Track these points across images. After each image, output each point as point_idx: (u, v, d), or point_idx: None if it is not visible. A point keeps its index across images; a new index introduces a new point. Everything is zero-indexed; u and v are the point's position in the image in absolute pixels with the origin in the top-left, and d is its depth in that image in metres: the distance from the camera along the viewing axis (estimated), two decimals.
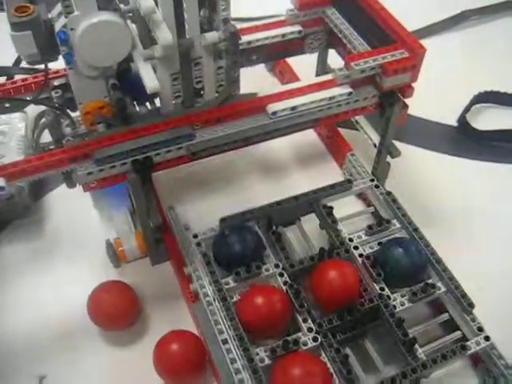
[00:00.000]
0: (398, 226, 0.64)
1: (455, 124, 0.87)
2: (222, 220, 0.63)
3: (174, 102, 0.58)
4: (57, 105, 0.58)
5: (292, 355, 0.53)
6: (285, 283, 0.58)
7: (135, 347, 0.63)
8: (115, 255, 0.66)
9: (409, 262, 0.59)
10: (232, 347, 0.55)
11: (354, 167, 0.73)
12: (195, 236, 0.62)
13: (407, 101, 0.64)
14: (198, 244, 0.61)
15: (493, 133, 0.85)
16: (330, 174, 0.77)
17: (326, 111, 0.60)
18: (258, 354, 0.54)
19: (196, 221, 0.70)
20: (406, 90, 0.63)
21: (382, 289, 0.59)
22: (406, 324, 0.56)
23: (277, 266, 0.60)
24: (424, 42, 0.61)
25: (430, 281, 0.60)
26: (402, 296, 0.58)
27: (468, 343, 0.56)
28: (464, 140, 0.85)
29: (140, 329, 0.64)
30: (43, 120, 0.58)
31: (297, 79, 0.83)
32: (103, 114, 0.55)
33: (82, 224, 0.72)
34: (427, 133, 0.86)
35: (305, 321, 0.56)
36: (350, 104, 0.61)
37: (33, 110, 0.75)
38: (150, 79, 0.51)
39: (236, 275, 0.58)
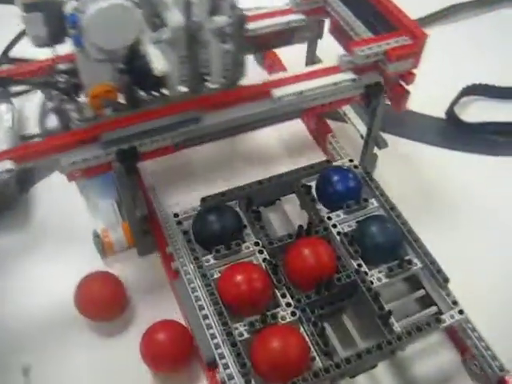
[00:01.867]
0: (376, 204, 0.65)
1: (443, 116, 0.88)
2: (203, 199, 0.64)
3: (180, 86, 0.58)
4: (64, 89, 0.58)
5: (270, 328, 0.54)
6: (264, 260, 0.60)
7: (123, 338, 0.63)
8: (102, 246, 0.67)
9: (385, 238, 0.60)
10: (212, 322, 0.57)
11: (334, 149, 0.74)
12: (176, 215, 0.63)
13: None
14: (179, 223, 0.62)
15: (481, 125, 0.86)
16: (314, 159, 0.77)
17: (328, 97, 0.61)
18: (237, 328, 0.55)
19: (179, 202, 0.71)
20: (408, 76, 0.64)
21: (359, 265, 0.60)
22: (383, 299, 0.57)
23: (256, 243, 0.61)
24: None
25: (406, 257, 0.61)
26: (379, 272, 0.60)
27: (443, 316, 0.57)
28: (452, 132, 0.86)
29: (127, 319, 0.64)
30: (49, 104, 0.59)
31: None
32: (110, 97, 0.56)
33: (69, 215, 0.72)
34: (415, 125, 0.87)
35: (283, 296, 0.57)
36: (337, 94, 0.62)
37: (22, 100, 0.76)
38: (158, 61, 0.51)
39: (216, 253, 0.59)
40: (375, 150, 0.70)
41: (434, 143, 0.84)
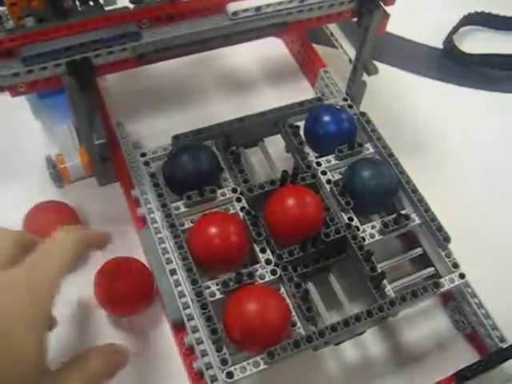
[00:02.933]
0: (372, 150, 0.57)
1: (440, 46, 0.80)
2: (175, 138, 0.55)
3: None
4: None
5: (246, 289, 0.48)
6: (242, 209, 0.52)
7: (76, 274, 0.56)
8: (57, 173, 0.59)
9: (378, 182, 0.53)
10: (181, 279, 0.50)
11: (326, 85, 0.65)
12: (143, 155, 0.55)
13: (389, 11, 0.56)
14: (147, 163, 0.54)
15: (481, 57, 0.78)
16: (301, 93, 0.69)
17: (295, 15, 0.52)
18: (208, 287, 0.48)
19: (148, 139, 0.63)
20: None
21: (350, 219, 0.53)
22: (375, 258, 0.50)
23: (234, 190, 0.53)
24: None
25: (403, 212, 0.54)
26: (373, 228, 0.53)
27: (441, 280, 0.50)
28: (449, 64, 0.79)
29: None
30: None
31: None
32: (33, 6, 0.47)
33: (20, 137, 0.64)
34: (409, 54, 0.79)
35: (263, 251, 0.50)
36: (323, 8, 0.53)
37: None
38: None
39: (187, 199, 0.52)
40: (364, 77, 0.62)
41: (429, 75, 0.77)
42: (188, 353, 0.50)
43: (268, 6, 0.50)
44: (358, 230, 0.52)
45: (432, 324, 0.56)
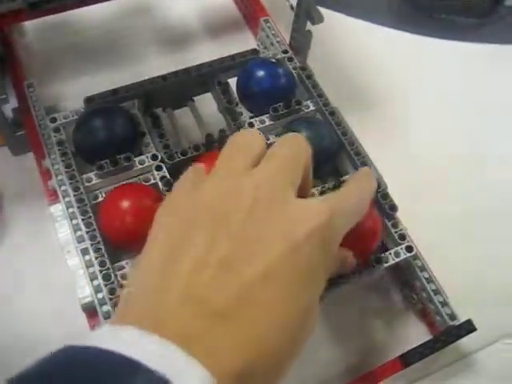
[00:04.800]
0: (312, 108, 0.51)
1: None
2: (89, 100, 0.49)
3: None
4: None
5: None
6: (162, 179, 0.46)
7: None
8: None
9: (316, 144, 0.45)
10: (93, 259, 0.44)
11: (267, 36, 0.58)
12: (53, 120, 0.48)
13: None
14: (56, 130, 0.48)
15: (444, 3, 0.71)
16: (243, 45, 0.62)
17: None
18: (122, 267, 0.43)
19: (69, 103, 0.56)
20: None
21: None
22: None
23: (154, 157, 0.47)
24: None
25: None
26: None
27: (385, 255, 0.45)
28: (409, 11, 0.72)
29: None
30: None
31: None
32: None
33: None
34: None
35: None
36: None
37: None
38: None
39: (99, 169, 0.45)
40: (309, 26, 0.55)
41: (382, 22, 0.69)
42: None
43: None
44: None
45: (382, 298, 0.51)
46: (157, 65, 0.61)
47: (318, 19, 0.54)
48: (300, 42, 0.57)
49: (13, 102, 0.53)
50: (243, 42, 0.64)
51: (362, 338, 0.49)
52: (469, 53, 0.68)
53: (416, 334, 0.49)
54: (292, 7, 0.55)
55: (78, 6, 0.45)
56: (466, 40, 0.69)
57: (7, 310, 0.48)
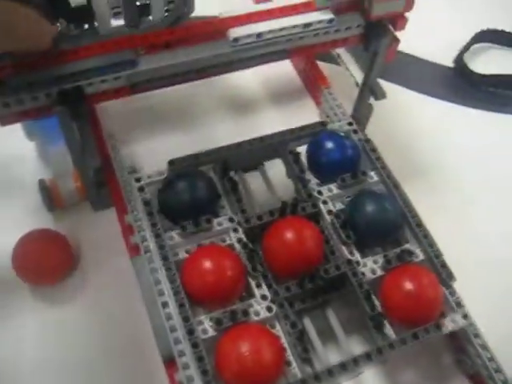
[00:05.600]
0: (376, 179, 0.55)
1: (451, 65, 0.77)
2: (171, 162, 0.53)
3: (113, 20, 0.47)
4: None
5: (239, 327, 0.46)
6: (239, 241, 0.50)
7: (70, 304, 0.54)
8: (50, 198, 0.57)
9: (382, 216, 0.51)
10: (173, 313, 0.48)
11: (330, 108, 0.63)
12: (138, 180, 0.53)
13: (399, 34, 0.54)
14: (141, 189, 0.52)
15: (493, 77, 0.75)
16: (306, 114, 0.67)
17: (299, 41, 0.50)
18: (201, 323, 0.46)
19: (145, 163, 0.61)
20: (398, 20, 0.53)
21: (351, 253, 0.51)
22: (376, 297, 0.48)
23: (231, 219, 0.51)
24: None
25: (406, 246, 0.52)
26: (375, 263, 0.50)
27: (444, 320, 0.48)
28: (459, 84, 0.75)
29: (76, 283, 0.56)
30: None
31: None
32: None
33: (13, 160, 0.62)
34: (417, 73, 0.76)
35: (258, 286, 0.48)
36: (329, 34, 0.51)
37: None
38: None
39: (182, 229, 0.50)
40: (371, 100, 0.60)
41: (438, 95, 0.74)
42: None
43: (270, 32, 0.48)
44: (359, 264, 0.50)
45: (434, 361, 0.54)
46: (224, 130, 0.66)
47: (380, 96, 0.58)
48: (361, 114, 0.61)
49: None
50: (304, 110, 0.68)
51: None
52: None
53: None
54: (357, 84, 0.60)
55: (172, 84, 0.49)
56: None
57: None
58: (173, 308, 0.48)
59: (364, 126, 0.62)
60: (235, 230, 0.51)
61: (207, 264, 0.47)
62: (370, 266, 0.50)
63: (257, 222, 0.51)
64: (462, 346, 0.52)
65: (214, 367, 0.45)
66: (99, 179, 0.56)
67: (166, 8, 0.48)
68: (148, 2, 0.47)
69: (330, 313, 0.51)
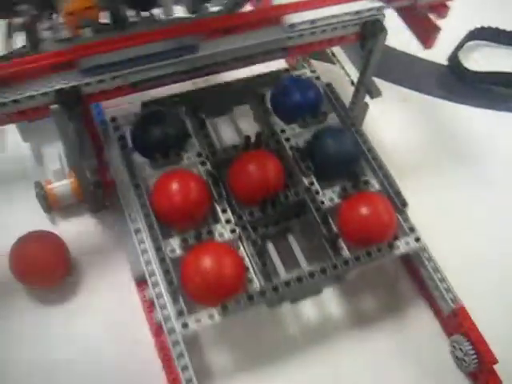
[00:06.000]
0: (336, 120, 0.59)
1: (445, 62, 0.78)
2: (144, 104, 0.57)
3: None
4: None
5: (203, 245, 0.49)
6: (206, 173, 0.54)
7: (65, 305, 0.55)
8: (46, 199, 0.58)
9: (340, 150, 0.54)
10: (144, 237, 0.51)
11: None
12: (113, 119, 0.57)
13: (392, 25, 0.55)
14: (116, 128, 0.56)
15: (487, 74, 0.76)
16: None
17: (295, 39, 0.51)
18: (169, 244, 0.50)
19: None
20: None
21: (311, 183, 0.54)
22: (333, 221, 0.52)
23: (199, 154, 0.55)
24: None
25: (363, 177, 0.55)
26: (333, 192, 0.54)
27: (397, 242, 0.52)
28: (453, 81, 0.76)
29: (72, 285, 0.56)
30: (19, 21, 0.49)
31: None
32: (89, 16, 0.46)
33: (9, 161, 0.63)
34: (412, 70, 0.77)
35: (224, 211, 0.52)
36: (326, 32, 0.52)
37: None
38: None
39: (152, 161, 0.53)
40: (366, 98, 0.61)
41: (432, 93, 0.75)
42: (150, 309, 0.52)
43: (323, 18, 0.50)
44: (318, 193, 0.54)
45: (391, 290, 0.58)
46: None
47: (376, 94, 0.59)
48: (357, 112, 0.63)
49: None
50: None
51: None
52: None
53: None
54: (352, 82, 0.62)
55: (174, 82, 0.50)
56: (507, 109, 0.74)
57: None
58: (144, 232, 0.51)
59: (360, 123, 0.64)
60: (203, 163, 0.54)
61: (174, 186, 0.51)
62: (329, 195, 0.54)
63: (222, 155, 0.54)
64: (416, 270, 0.55)
65: (181, 282, 0.48)
66: (95, 180, 0.56)
67: None
68: None
69: (291, 239, 0.54)
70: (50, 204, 0.58)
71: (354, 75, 0.61)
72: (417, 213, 0.54)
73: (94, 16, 0.46)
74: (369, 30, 0.53)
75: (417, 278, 0.57)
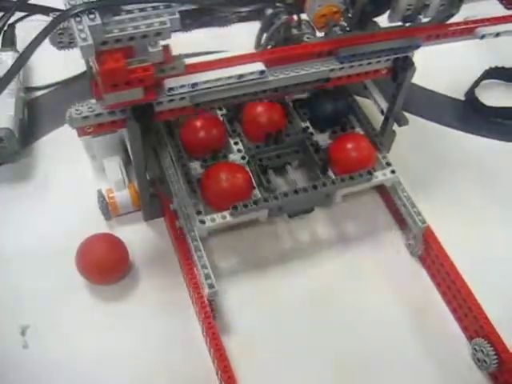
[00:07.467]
0: None
1: (462, 98, 0.85)
2: None
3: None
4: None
5: (219, 163, 0.62)
6: (223, 115, 0.67)
7: (122, 302, 0.61)
8: (106, 207, 0.64)
9: (331, 101, 0.67)
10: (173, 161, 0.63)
11: None
12: None
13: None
14: None
15: (501, 110, 0.83)
16: None
17: (336, 71, 0.58)
18: (192, 166, 0.63)
19: None
20: None
21: (307, 127, 0.67)
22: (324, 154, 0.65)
23: None
24: None
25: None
26: (326, 136, 0.67)
27: (375, 173, 0.64)
28: (470, 115, 0.83)
29: (129, 284, 0.62)
30: (276, 21, 0.59)
31: None
32: (335, 18, 0.57)
33: (73, 172, 0.70)
34: (432, 104, 0.84)
35: (236, 144, 0.65)
36: (362, 66, 0.59)
37: None
38: None
39: None
40: (394, 126, 0.69)
41: (451, 125, 0.82)
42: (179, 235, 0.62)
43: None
44: (312, 134, 0.67)
45: (370, 220, 0.69)
46: None
47: (404, 122, 0.67)
48: (385, 139, 0.70)
49: None
50: None
51: None
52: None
53: None
54: (382, 111, 0.68)
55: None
56: None
57: None
58: (174, 158, 0.63)
59: (388, 149, 0.71)
60: (220, 108, 0.68)
61: (199, 125, 0.64)
62: (322, 138, 0.67)
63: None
64: (392, 200, 0.67)
65: (201, 192, 0.60)
66: (152, 190, 0.64)
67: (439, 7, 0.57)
68: (428, 3, 0.56)
69: (290, 170, 0.67)
70: (111, 211, 0.64)
71: (383, 104, 0.68)
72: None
73: (338, 19, 0.57)
74: (400, 65, 0.61)
75: (392, 209, 0.69)
